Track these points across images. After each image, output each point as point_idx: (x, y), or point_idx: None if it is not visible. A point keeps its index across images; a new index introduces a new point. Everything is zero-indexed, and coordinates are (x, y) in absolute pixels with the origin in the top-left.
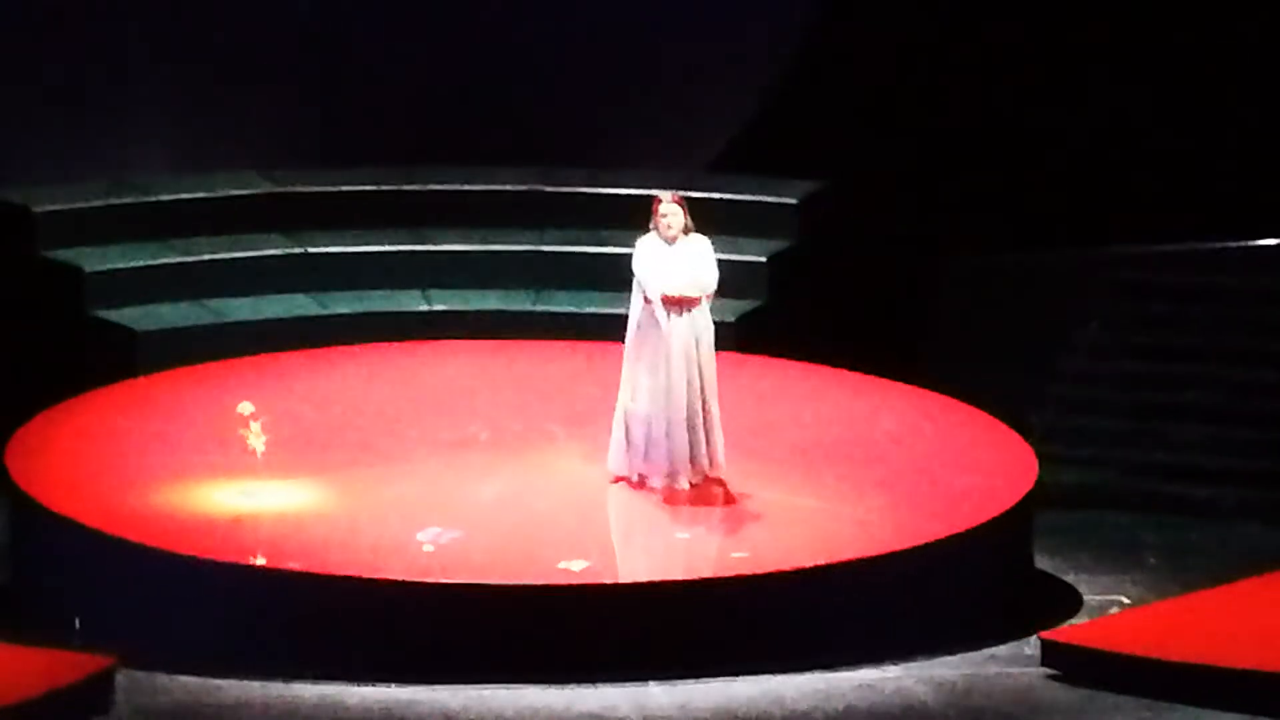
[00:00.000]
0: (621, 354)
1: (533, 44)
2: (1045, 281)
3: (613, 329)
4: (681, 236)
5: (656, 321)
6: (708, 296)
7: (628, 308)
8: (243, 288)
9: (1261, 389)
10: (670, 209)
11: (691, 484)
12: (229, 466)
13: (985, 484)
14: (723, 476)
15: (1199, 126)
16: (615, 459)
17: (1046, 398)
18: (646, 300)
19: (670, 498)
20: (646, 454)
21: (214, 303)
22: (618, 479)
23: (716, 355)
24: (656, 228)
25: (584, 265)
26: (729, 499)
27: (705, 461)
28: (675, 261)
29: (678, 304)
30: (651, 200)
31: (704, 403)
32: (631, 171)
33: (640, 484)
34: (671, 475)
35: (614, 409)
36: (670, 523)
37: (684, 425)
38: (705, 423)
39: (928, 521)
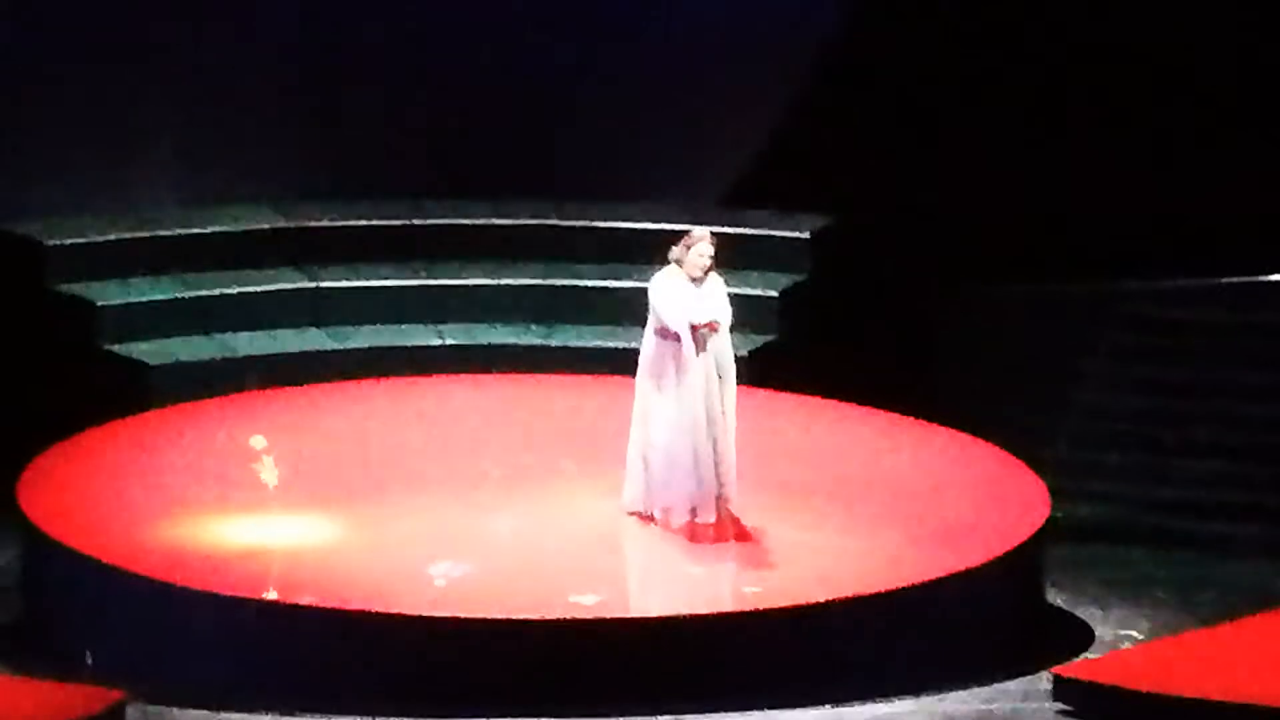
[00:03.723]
0: (633, 387)
1: (543, 79)
2: (1058, 315)
3: (625, 363)
4: (705, 276)
5: (675, 354)
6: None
7: (638, 342)
8: (255, 322)
9: (1274, 424)
10: (706, 248)
11: (714, 518)
12: (241, 501)
13: (997, 518)
14: (733, 509)
15: (1208, 161)
16: (631, 494)
17: (1059, 432)
18: (665, 334)
19: (693, 534)
20: (668, 484)
21: (226, 337)
22: (633, 513)
23: None
24: (682, 263)
25: (596, 299)
26: (738, 534)
27: (725, 491)
28: (699, 297)
29: (706, 329)
30: (666, 233)
31: (725, 432)
32: (643, 206)
33: (658, 520)
34: (693, 505)
35: (626, 443)
36: (681, 557)
37: (708, 454)
38: (723, 453)
39: (940, 556)
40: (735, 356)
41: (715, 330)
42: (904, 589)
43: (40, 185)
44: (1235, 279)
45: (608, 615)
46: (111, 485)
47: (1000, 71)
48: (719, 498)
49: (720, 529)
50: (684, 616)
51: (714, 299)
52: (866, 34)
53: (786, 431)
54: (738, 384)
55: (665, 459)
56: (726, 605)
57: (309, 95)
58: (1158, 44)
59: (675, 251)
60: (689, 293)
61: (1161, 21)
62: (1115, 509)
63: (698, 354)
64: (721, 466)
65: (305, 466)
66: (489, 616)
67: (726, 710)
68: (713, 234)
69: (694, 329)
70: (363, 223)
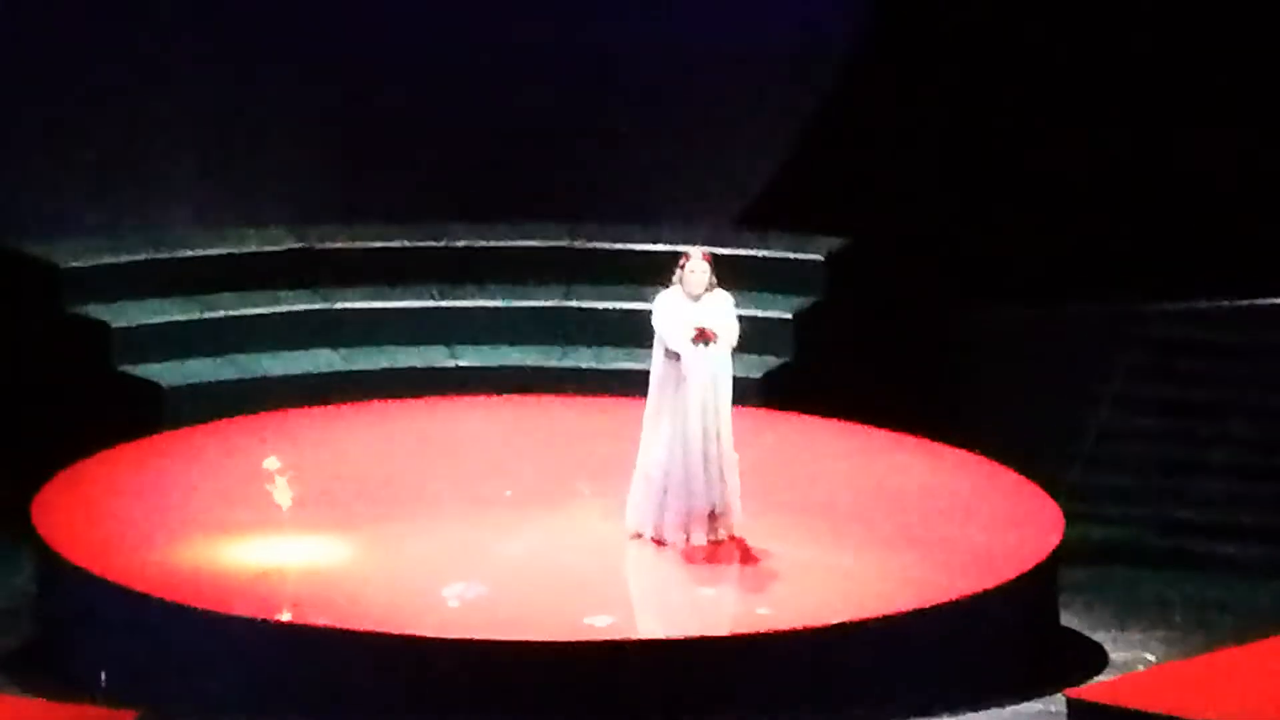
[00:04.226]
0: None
1: (560, 101)
2: (1073, 337)
3: (639, 385)
4: (706, 293)
5: (677, 375)
6: (729, 346)
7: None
8: (270, 343)
9: None
10: (699, 265)
11: (708, 539)
12: (255, 522)
13: (1011, 540)
14: (736, 527)
15: (1225, 183)
16: (632, 516)
17: (1073, 453)
18: (667, 354)
19: (688, 555)
20: (664, 505)
21: (241, 358)
22: (636, 535)
23: (742, 410)
24: (681, 282)
25: (611, 321)
26: (751, 556)
27: (721, 509)
28: (697, 313)
29: (703, 337)
30: (678, 256)
31: (720, 450)
32: (658, 228)
33: (658, 541)
34: (687, 524)
35: (635, 466)
36: (695, 579)
37: (699, 470)
38: (721, 470)
39: (953, 578)
40: (749, 378)
41: (711, 339)
42: (917, 611)
43: (56, 207)
44: (1251, 301)
45: (621, 637)
46: (125, 506)
47: (1014, 91)
48: (713, 516)
49: (716, 550)
50: (697, 638)
51: (715, 316)
52: (881, 56)
53: (800, 453)
54: (751, 405)
55: (664, 478)
56: (740, 627)
57: (324, 118)
58: (1169, 63)
59: (676, 273)
60: (688, 309)
61: (1176, 41)
62: (1130, 531)
63: (694, 353)
64: (719, 485)
65: (319, 487)
66: (503, 638)
67: None
68: (706, 253)
69: (702, 334)
70: (377, 245)
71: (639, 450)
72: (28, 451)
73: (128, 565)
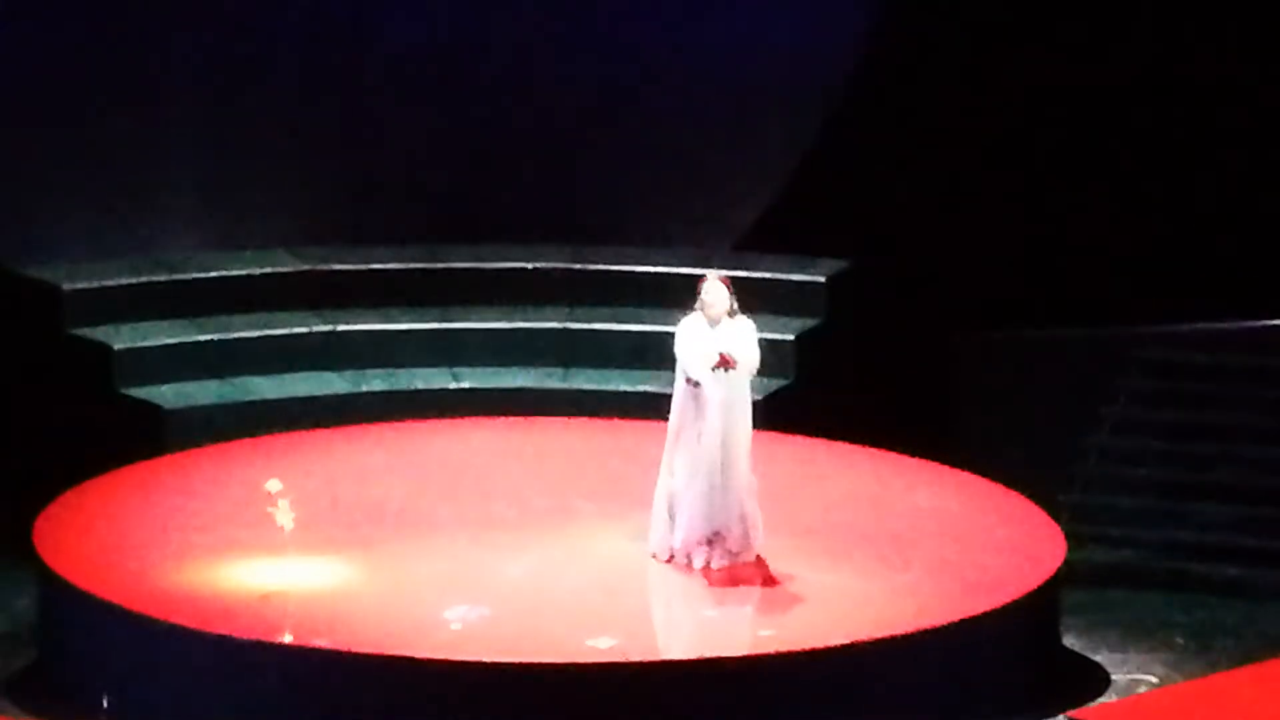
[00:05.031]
0: (658, 433)
1: (561, 123)
2: (1074, 359)
3: (640, 407)
4: (725, 318)
5: (697, 401)
6: (748, 372)
7: (656, 386)
8: (272, 365)
9: None
10: (714, 288)
11: (712, 563)
12: (257, 544)
13: (1013, 562)
14: (757, 549)
15: (1226, 204)
16: (654, 539)
17: (1074, 476)
18: (687, 380)
19: (692, 576)
20: (687, 527)
21: (243, 380)
22: (655, 556)
23: None
24: (702, 307)
25: (612, 343)
26: (754, 578)
27: (740, 535)
28: (718, 340)
29: (724, 364)
30: (681, 278)
31: (733, 477)
32: (660, 250)
33: (667, 562)
34: (693, 547)
35: (650, 489)
36: (698, 601)
37: (707, 494)
38: (734, 496)
39: (955, 600)
40: (752, 400)
41: (732, 365)
42: (919, 632)
43: (58, 229)
44: (1252, 323)
45: (623, 659)
46: (127, 529)
47: (1017, 114)
48: (715, 540)
49: (721, 572)
50: (700, 660)
51: (734, 342)
52: (881, 78)
53: (802, 475)
54: (753, 427)
55: (685, 501)
56: (742, 649)
57: (325, 139)
58: (1173, 85)
59: (697, 299)
60: (707, 334)
61: (1178, 63)
62: (1132, 553)
63: (714, 381)
64: (727, 511)
65: (321, 510)
66: (504, 660)
67: None
68: (724, 277)
69: (723, 360)
70: (380, 266)
71: (660, 476)
72: (29, 474)
73: (130, 587)
